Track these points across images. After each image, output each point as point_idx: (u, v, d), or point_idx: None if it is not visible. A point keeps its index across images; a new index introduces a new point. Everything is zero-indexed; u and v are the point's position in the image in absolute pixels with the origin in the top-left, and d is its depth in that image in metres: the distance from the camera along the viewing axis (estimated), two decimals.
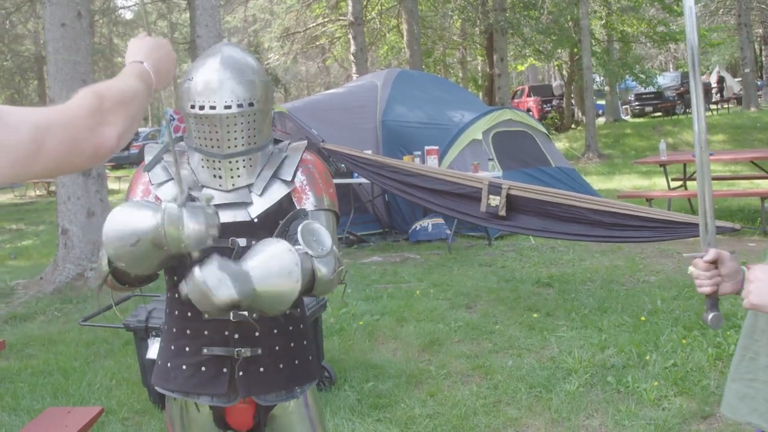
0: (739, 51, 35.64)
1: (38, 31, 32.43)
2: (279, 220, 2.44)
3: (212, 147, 2.42)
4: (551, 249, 10.03)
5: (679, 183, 12.39)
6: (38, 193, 24.21)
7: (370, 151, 9.93)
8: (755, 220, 10.90)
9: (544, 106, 35.36)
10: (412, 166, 7.26)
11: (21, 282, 9.85)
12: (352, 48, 21.38)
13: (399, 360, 6.05)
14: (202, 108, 2.35)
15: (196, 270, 2.07)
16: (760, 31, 39.94)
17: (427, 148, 10.51)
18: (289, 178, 2.54)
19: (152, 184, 2.51)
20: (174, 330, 2.56)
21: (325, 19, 26.06)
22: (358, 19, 21.10)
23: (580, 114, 32.09)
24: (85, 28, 9.75)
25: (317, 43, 27.03)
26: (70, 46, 9.43)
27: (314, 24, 26.47)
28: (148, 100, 1.77)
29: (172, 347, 2.55)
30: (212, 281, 2.06)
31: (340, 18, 24.86)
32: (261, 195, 2.49)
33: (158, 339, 5.26)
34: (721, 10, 41.08)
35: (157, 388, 2.61)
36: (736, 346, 2.31)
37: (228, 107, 2.36)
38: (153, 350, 5.22)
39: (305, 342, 2.63)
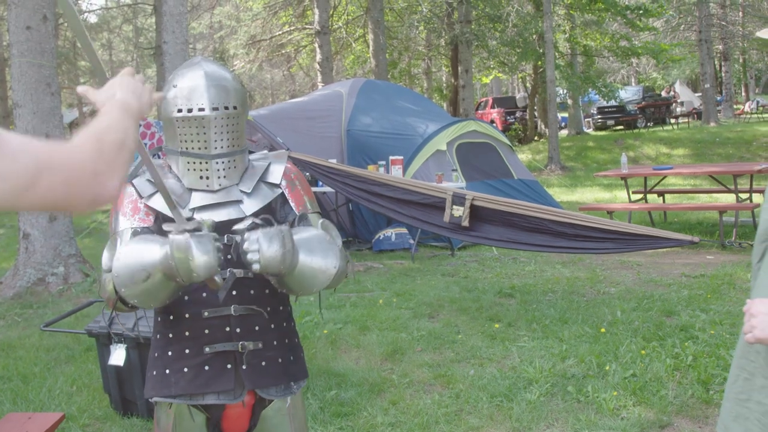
0: (699, 66, 36.17)
1: (0, 33, 32.04)
2: (271, 218, 2.54)
3: (199, 148, 2.57)
4: (513, 260, 10.12)
5: (640, 196, 12.55)
6: None
7: (334, 160, 9.96)
8: (713, 233, 11.09)
9: (508, 117, 35.67)
10: (378, 176, 7.30)
11: None
12: (318, 57, 21.39)
13: (362, 369, 6.07)
14: (190, 110, 2.51)
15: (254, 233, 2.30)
16: (720, 47, 40.48)
17: (391, 158, 10.56)
18: (277, 182, 2.71)
19: (141, 198, 2.60)
20: (170, 335, 2.61)
21: (291, 28, 26.03)
22: (324, 29, 21.13)
23: (543, 126, 32.36)
24: (51, 32, 9.69)
25: (283, 51, 27.00)
26: (35, 49, 9.36)
27: (280, 32, 26.43)
28: (135, 131, 1.73)
29: (170, 353, 2.60)
30: (266, 239, 2.29)
31: (307, 27, 24.86)
32: (250, 195, 2.64)
33: (120, 345, 5.27)
34: (683, 26, 41.66)
35: (154, 399, 2.64)
36: (731, 365, 2.35)
37: (215, 109, 2.53)
38: (115, 356, 5.20)
39: (296, 340, 2.77)
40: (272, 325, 2.64)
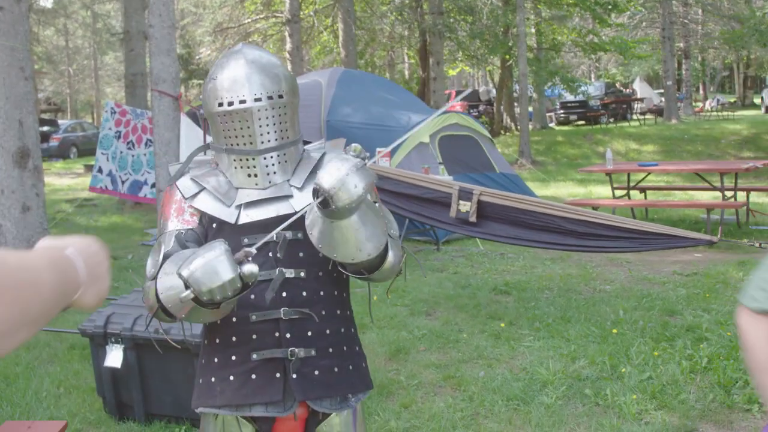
0: (662, 64, 36.37)
1: None
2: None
3: (245, 144, 2.33)
4: (501, 255, 9.93)
5: (623, 192, 12.45)
6: None
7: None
8: (698, 230, 10.98)
9: (471, 111, 35.57)
10: (378, 169, 7.03)
11: None
12: (288, 46, 21.05)
13: None
14: (231, 104, 2.29)
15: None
16: (682, 45, 40.80)
17: (378, 149, 10.28)
18: None
19: (185, 199, 2.40)
20: (216, 341, 2.39)
21: (260, 16, 25.63)
22: (294, 17, 20.79)
23: (508, 120, 32.31)
24: (24, 13, 9.26)
25: (250, 39, 26.57)
26: (8, 31, 8.92)
27: (248, 20, 26.01)
28: (59, 303, 1.17)
29: (216, 360, 2.38)
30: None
31: (275, 15, 24.48)
32: (302, 189, 2.38)
33: (117, 345, 4.96)
34: (644, 23, 41.94)
35: (200, 409, 2.42)
36: None
37: (258, 99, 2.29)
38: (112, 357, 4.90)
39: (357, 348, 2.51)
40: (327, 331, 2.39)
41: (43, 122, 35.08)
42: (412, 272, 9.08)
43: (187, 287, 1.96)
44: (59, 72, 48.59)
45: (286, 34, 21.29)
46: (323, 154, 2.48)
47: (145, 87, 15.88)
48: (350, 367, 2.45)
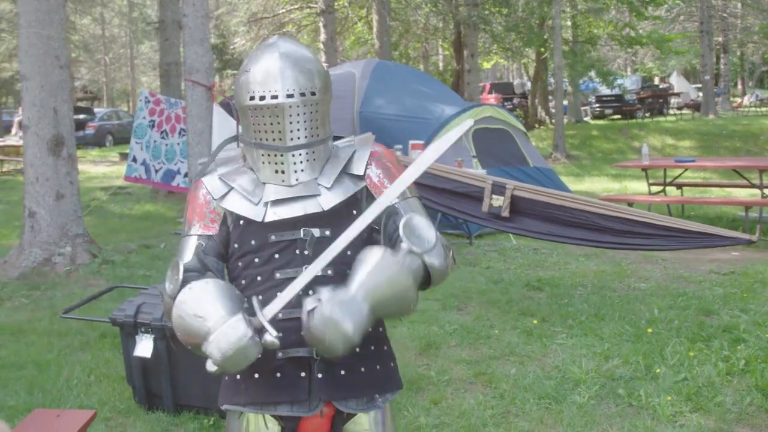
0: (699, 58, 35.94)
1: None
2: (353, 210, 2.35)
3: (274, 140, 2.29)
4: (534, 251, 9.83)
5: (659, 188, 12.28)
6: None
7: None
8: (736, 228, 10.81)
9: (505, 104, 35.34)
10: (409, 161, 6.98)
11: None
12: (322, 36, 21.01)
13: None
14: (262, 98, 2.25)
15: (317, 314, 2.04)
16: (720, 39, 40.28)
17: (412, 142, 10.21)
18: (361, 173, 2.38)
19: (214, 199, 2.37)
20: None
21: (294, 6, 25.61)
22: (329, 8, 20.75)
23: (543, 113, 32.07)
24: (60, 2, 9.32)
25: (284, 30, 26.55)
26: (44, 20, 8.99)
27: (282, 11, 26.00)
28: None
29: None
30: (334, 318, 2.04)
31: (310, 5, 24.45)
32: (330, 188, 2.33)
33: (147, 335, 4.95)
34: (682, 16, 41.42)
35: (225, 406, 2.39)
36: None
37: (290, 96, 2.24)
38: (142, 347, 4.90)
39: (386, 347, 2.45)
40: None
41: (79, 110, 35.43)
42: None
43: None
44: (96, 60, 48.98)
45: (321, 24, 21.26)
46: (354, 152, 2.42)
47: (180, 76, 15.90)
48: (377, 367, 2.40)
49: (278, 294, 2.21)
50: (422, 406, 5.06)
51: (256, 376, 2.29)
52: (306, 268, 2.21)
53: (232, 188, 2.35)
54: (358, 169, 2.38)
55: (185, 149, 10.45)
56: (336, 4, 23.32)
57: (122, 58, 52.40)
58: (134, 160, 11.46)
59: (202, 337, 2.08)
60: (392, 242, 2.32)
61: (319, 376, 2.28)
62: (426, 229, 2.22)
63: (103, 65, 50.07)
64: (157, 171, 11.63)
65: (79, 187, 9.60)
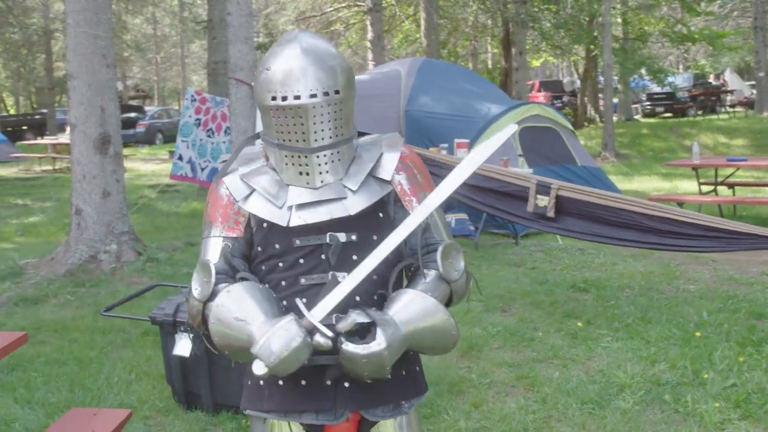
0: (753, 55, 35.21)
1: (48, 4, 31.97)
2: (380, 213, 2.33)
3: (297, 141, 2.22)
4: (580, 251, 9.67)
5: (710, 187, 12.04)
6: (44, 168, 23.75)
7: None
8: None
9: (554, 102, 35.00)
10: (452, 159, 6.89)
11: (31, 261, 9.47)
12: (369, 35, 20.98)
13: (437, 366, 5.68)
14: (284, 98, 2.17)
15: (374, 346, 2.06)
16: None
17: (457, 140, 10.12)
18: (388, 178, 2.33)
19: (236, 201, 2.31)
20: None
21: (342, 5, 25.62)
22: (376, 6, 20.71)
23: (592, 111, 31.71)
24: (108, 1, 9.38)
25: (332, 28, 26.60)
26: (91, 19, 9.06)
27: (330, 9, 26.03)
28: None
29: None
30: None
31: (357, 4, 24.45)
32: (357, 191, 2.27)
33: (186, 334, 4.94)
34: (735, 12, 40.64)
35: (248, 411, 2.35)
36: None
37: (313, 96, 2.16)
38: (180, 346, 4.89)
39: (411, 352, 2.34)
40: None
41: (130, 108, 35.89)
42: (490, 266, 8.93)
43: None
44: (147, 59, 49.54)
45: (368, 23, 21.22)
46: (381, 154, 2.36)
47: (227, 75, 15.97)
48: (403, 373, 2.35)
49: (304, 300, 2.17)
50: (462, 409, 4.98)
51: (280, 383, 2.25)
52: (332, 274, 2.21)
53: (254, 190, 2.29)
54: (386, 173, 2.33)
55: (230, 148, 10.48)
56: (384, 2, 23.29)
57: (173, 57, 52.98)
58: (180, 158, 11.51)
59: (243, 340, 2.07)
60: (410, 250, 2.37)
61: (346, 385, 2.24)
62: (458, 258, 2.32)
63: (155, 64, 50.65)
64: (203, 169, 11.67)
65: (125, 185, 9.67)
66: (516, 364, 5.75)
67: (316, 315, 2.06)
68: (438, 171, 6.47)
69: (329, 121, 2.20)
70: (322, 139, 2.21)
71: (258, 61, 8.04)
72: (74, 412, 4.03)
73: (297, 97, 2.15)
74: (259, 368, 2.01)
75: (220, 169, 2.40)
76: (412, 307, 2.15)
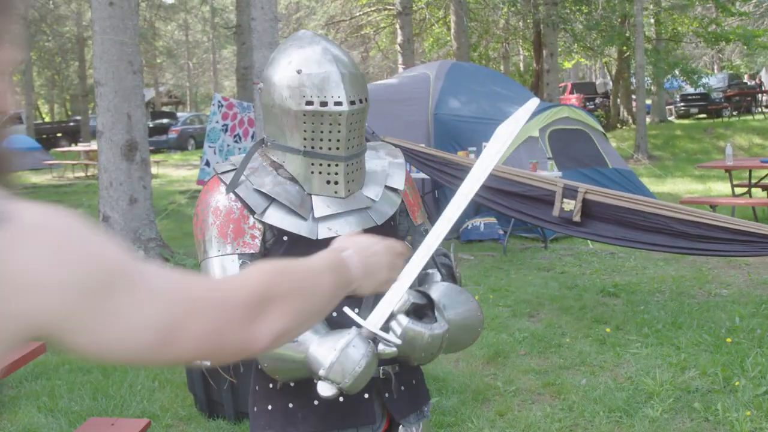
0: None
1: (81, 12, 32.33)
2: (392, 222, 2.30)
3: (330, 149, 2.13)
4: (611, 255, 9.53)
5: (744, 190, 11.82)
6: (77, 174, 23.96)
7: (422, 145, 9.51)
8: None
9: (587, 103, 34.69)
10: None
11: None
12: (399, 38, 20.91)
13: (462, 373, 5.61)
14: (324, 104, 2.07)
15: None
16: None
17: (485, 144, 10.01)
18: (401, 188, 2.33)
19: (253, 214, 2.15)
20: None
21: (371, 8, 25.60)
22: (406, 9, 20.62)
23: (625, 113, 31.41)
24: (134, 8, 9.43)
25: (362, 32, 26.59)
26: (118, 26, 9.09)
27: (360, 13, 26.02)
28: (336, 299, 1.40)
29: (292, 384, 2.17)
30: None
31: (388, 7, 24.41)
32: (378, 201, 2.26)
33: None
34: None
35: None
36: None
37: (353, 103, 2.10)
38: None
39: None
40: None
41: (162, 115, 36.13)
42: (518, 271, 8.83)
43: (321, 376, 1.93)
44: (179, 66, 49.89)
45: (398, 26, 21.16)
46: (389, 164, 2.36)
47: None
48: (420, 378, 2.36)
49: (333, 314, 2.08)
50: (487, 417, 4.90)
51: (316, 403, 2.14)
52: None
53: (272, 201, 2.16)
54: (397, 183, 2.32)
55: None
56: (414, 5, 23.22)
57: (205, 63, 53.30)
58: (207, 164, 11.51)
59: (298, 362, 2.00)
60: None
61: (387, 395, 2.21)
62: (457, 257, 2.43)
63: (187, 70, 50.98)
64: None
65: (152, 192, 9.68)
66: (542, 371, 5.65)
67: (375, 323, 1.95)
68: (461, 174, 6.38)
69: (359, 129, 2.15)
70: (352, 147, 2.16)
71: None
72: (92, 422, 4.00)
73: (338, 103, 2.08)
74: (327, 390, 1.91)
75: (229, 181, 2.18)
76: (456, 298, 2.18)
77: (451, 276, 2.34)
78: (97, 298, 0.93)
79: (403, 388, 2.23)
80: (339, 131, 2.11)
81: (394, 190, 2.31)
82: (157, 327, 1.00)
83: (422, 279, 2.32)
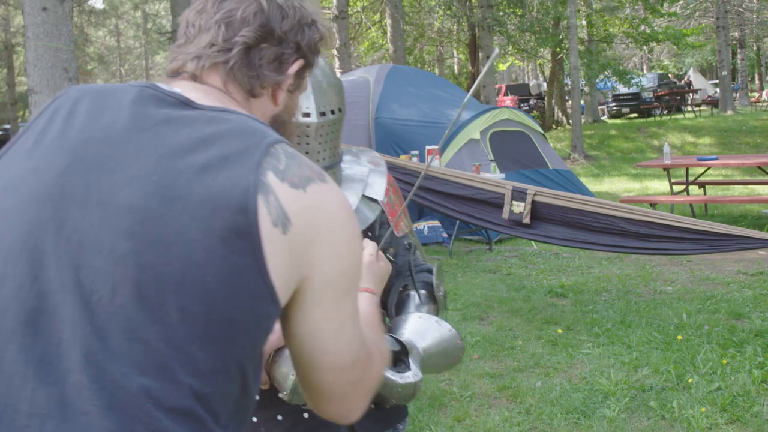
0: (716, 54, 35.55)
1: (9, 18, 31.55)
2: (369, 233, 2.20)
3: None
4: (555, 255, 9.59)
5: (681, 187, 12.02)
6: None
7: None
8: (763, 226, 10.54)
9: (522, 105, 35.04)
10: (424, 168, 6.78)
11: None
12: (336, 42, 20.82)
13: None
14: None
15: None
16: (736, 34, 39.82)
17: (428, 147, 10.02)
18: (380, 198, 2.24)
19: None
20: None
21: None
22: (342, 13, 20.54)
23: (559, 114, 31.81)
24: (68, 14, 9.16)
25: None
26: (52, 32, 8.83)
27: None
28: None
29: (257, 397, 2.09)
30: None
31: (324, 11, 24.30)
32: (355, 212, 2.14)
33: None
34: (697, 12, 41.03)
35: None
36: None
37: (323, 114, 2.02)
38: None
39: None
40: None
41: None
42: (465, 274, 8.83)
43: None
44: (111, 72, 49.08)
45: (334, 30, 21.04)
46: (368, 173, 2.26)
47: None
48: None
49: None
50: (445, 424, 4.86)
51: (280, 417, 2.10)
52: None
53: None
54: (377, 192, 2.23)
55: None
56: (350, 9, 23.16)
57: (138, 69, 52.53)
58: None
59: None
60: (396, 271, 2.24)
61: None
62: (442, 277, 2.37)
63: (119, 76, 50.18)
64: None
65: None
66: (497, 375, 5.63)
67: None
68: (409, 179, 6.36)
69: (330, 141, 2.07)
70: (324, 159, 2.08)
71: None
72: None
73: (306, 115, 2.01)
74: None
75: None
76: (430, 333, 2.11)
77: (431, 297, 2.26)
78: (344, 289, 1.01)
79: (373, 406, 2.14)
80: (308, 143, 2.04)
81: (373, 200, 2.24)
82: (361, 343, 1.09)
83: (400, 302, 2.26)
